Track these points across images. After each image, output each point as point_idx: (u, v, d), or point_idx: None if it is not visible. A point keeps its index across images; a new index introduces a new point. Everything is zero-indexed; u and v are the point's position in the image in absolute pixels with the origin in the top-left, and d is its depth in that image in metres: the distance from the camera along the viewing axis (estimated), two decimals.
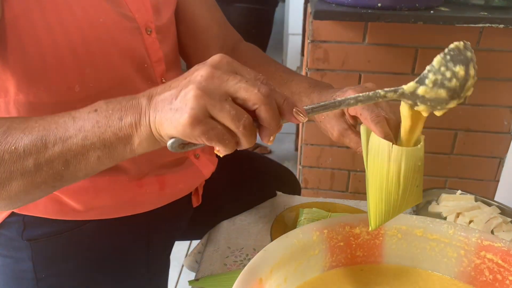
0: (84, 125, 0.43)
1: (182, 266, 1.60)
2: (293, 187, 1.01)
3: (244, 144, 0.40)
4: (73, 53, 0.57)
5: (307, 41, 1.26)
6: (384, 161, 0.51)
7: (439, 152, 1.35)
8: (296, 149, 2.71)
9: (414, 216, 0.61)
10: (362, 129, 0.55)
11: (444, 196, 0.88)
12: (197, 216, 0.84)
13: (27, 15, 0.53)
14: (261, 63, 0.75)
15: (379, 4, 1.03)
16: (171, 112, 0.39)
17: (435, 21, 1.03)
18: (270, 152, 2.68)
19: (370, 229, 0.55)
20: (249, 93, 0.38)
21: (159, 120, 0.40)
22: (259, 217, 0.88)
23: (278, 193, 0.95)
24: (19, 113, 0.58)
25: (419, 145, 0.52)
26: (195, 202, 0.82)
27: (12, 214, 0.66)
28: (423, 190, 0.87)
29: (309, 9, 1.31)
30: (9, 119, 0.46)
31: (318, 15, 1.03)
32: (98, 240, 0.70)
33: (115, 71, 0.61)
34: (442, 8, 1.08)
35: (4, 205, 0.47)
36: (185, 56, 0.81)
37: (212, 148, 0.94)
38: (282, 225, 0.80)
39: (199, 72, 0.39)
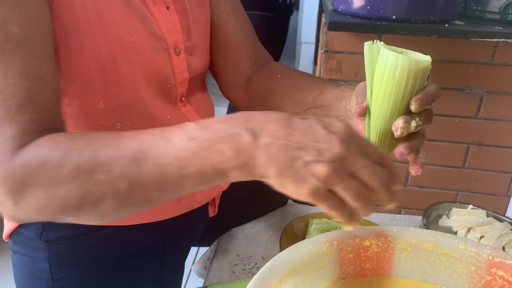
0: (181, 153, 0.42)
1: (190, 271, 1.60)
2: None
3: (360, 215, 0.43)
4: (101, 73, 0.57)
5: (320, 51, 1.26)
6: (391, 76, 0.47)
7: (450, 165, 1.34)
8: None
9: (425, 230, 0.61)
10: (366, 46, 0.50)
11: (455, 210, 0.87)
12: (212, 223, 0.85)
13: (60, 33, 0.53)
14: (292, 79, 0.73)
15: (394, 17, 1.03)
16: (292, 172, 0.40)
17: (450, 35, 1.03)
18: None
19: None
20: (372, 180, 0.41)
21: (273, 171, 0.40)
22: (269, 225, 0.88)
23: (289, 201, 0.95)
24: None
25: (426, 61, 0.47)
26: (212, 212, 0.82)
27: None
28: (434, 204, 0.88)
29: (323, 20, 1.32)
30: (97, 135, 0.46)
31: (333, 26, 1.04)
32: (114, 245, 0.71)
33: (138, 90, 0.62)
34: (457, 22, 1.08)
35: (93, 220, 0.48)
36: (213, 72, 0.80)
37: None
38: (291, 234, 0.80)
39: (332, 148, 0.39)
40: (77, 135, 0.47)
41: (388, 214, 0.94)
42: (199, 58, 0.72)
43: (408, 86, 0.47)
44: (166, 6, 0.64)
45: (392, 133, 0.50)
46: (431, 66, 0.48)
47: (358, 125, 0.58)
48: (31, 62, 0.48)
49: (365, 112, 0.52)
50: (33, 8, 0.49)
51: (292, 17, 2.15)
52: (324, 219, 0.83)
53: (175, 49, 0.65)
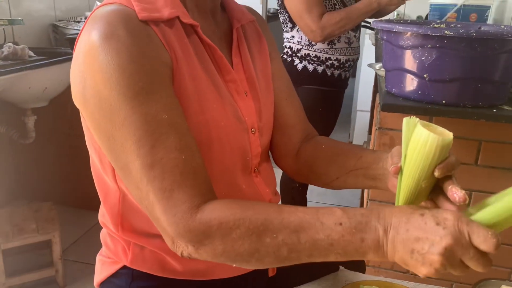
0: (331, 234, 0.56)
1: None
2: (358, 266, 1.07)
3: None
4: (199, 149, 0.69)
5: (374, 128, 1.36)
6: (422, 148, 0.58)
7: (504, 243, 1.34)
8: None
9: None
10: (405, 121, 0.62)
11: (504, 287, 0.90)
12: (270, 283, 0.93)
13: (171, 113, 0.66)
14: (335, 147, 0.86)
15: (444, 101, 1.13)
16: (412, 260, 0.53)
17: (497, 120, 1.10)
18: None
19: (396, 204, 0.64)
20: (475, 266, 0.52)
21: (398, 258, 0.54)
22: None
23: (341, 268, 1.02)
24: None
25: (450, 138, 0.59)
26: (271, 272, 0.91)
27: (124, 267, 0.79)
28: (483, 279, 0.91)
29: (377, 99, 1.43)
30: (264, 208, 0.59)
31: (386, 108, 1.14)
32: None
33: (225, 163, 0.74)
34: (506, 107, 1.15)
35: (248, 266, 0.61)
36: (270, 146, 0.92)
37: None
38: None
39: (442, 242, 0.51)
40: (243, 203, 0.60)
41: (437, 287, 0.98)
42: (267, 136, 0.85)
43: (435, 157, 0.59)
44: (245, 94, 0.79)
45: (419, 190, 0.62)
46: (452, 142, 0.59)
47: (394, 181, 0.71)
48: (181, 138, 0.62)
49: (398, 172, 0.64)
50: (171, 97, 0.64)
51: (348, 85, 2.26)
52: (373, 287, 0.89)
53: (251, 129, 0.79)
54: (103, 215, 0.81)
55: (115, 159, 0.64)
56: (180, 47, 0.69)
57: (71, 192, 2.51)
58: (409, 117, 0.63)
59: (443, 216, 0.52)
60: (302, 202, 2.54)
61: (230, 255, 0.59)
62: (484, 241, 0.50)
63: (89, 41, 0.62)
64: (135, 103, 0.60)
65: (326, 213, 0.56)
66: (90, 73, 0.62)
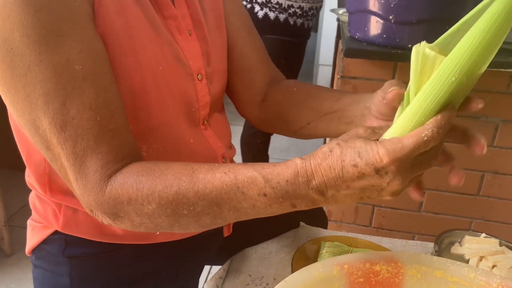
0: (256, 204, 0.50)
1: None
2: (321, 221, 1.02)
3: None
4: (132, 99, 0.59)
5: (337, 76, 1.29)
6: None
7: (465, 192, 1.34)
8: None
9: (435, 257, 0.61)
10: (415, 50, 0.49)
11: (467, 238, 0.87)
12: (226, 243, 0.86)
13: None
14: (309, 90, 0.77)
15: (410, 45, 1.05)
16: (365, 200, 0.49)
17: None
18: None
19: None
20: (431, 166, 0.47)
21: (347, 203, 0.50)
22: (281, 247, 0.89)
23: (302, 224, 0.96)
24: None
25: None
26: (226, 231, 0.84)
27: (56, 232, 0.70)
28: (447, 231, 0.88)
29: (340, 46, 1.35)
30: (176, 177, 0.52)
31: (349, 53, 1.06)
32: (132, 263, 0.73)
33: (165, 113, 0.64)
34: None
35: (174, 231, 0.56)
36: (229, 92, 0.83)
37: None
38: (303, 256, 0.81)
39: (392, 187, 0.46)
40: (154, 173, 0.52)
41: (400, 240, 0.94)
42: (218, 83, 0.75)
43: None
44: (188, 33, 0.68)
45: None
46: None
47: (373, 122, 0.62)
48: (98, 94, 0.52)
49: (396, 96, 0.53)
50: (89, 42, 0.53)
51: (310, 40, 2.19)
52: (336, 243, 0.84)
53: (197, 75, 0.68)
54: (29, 176, 0.71)
55: (19, 114, 0.53)
56: None
57: (15, 154, 2.34)
58: (418, 44, 0.49)
59: (377, 158, 0.44)
60: (264, 159, 2.50)
61: (149, 226, 0.54)
62: (423, 145, 0.45)
63: None
64: (42, 49, 0.49)
65: (246, 182, 0.50)
66: None
